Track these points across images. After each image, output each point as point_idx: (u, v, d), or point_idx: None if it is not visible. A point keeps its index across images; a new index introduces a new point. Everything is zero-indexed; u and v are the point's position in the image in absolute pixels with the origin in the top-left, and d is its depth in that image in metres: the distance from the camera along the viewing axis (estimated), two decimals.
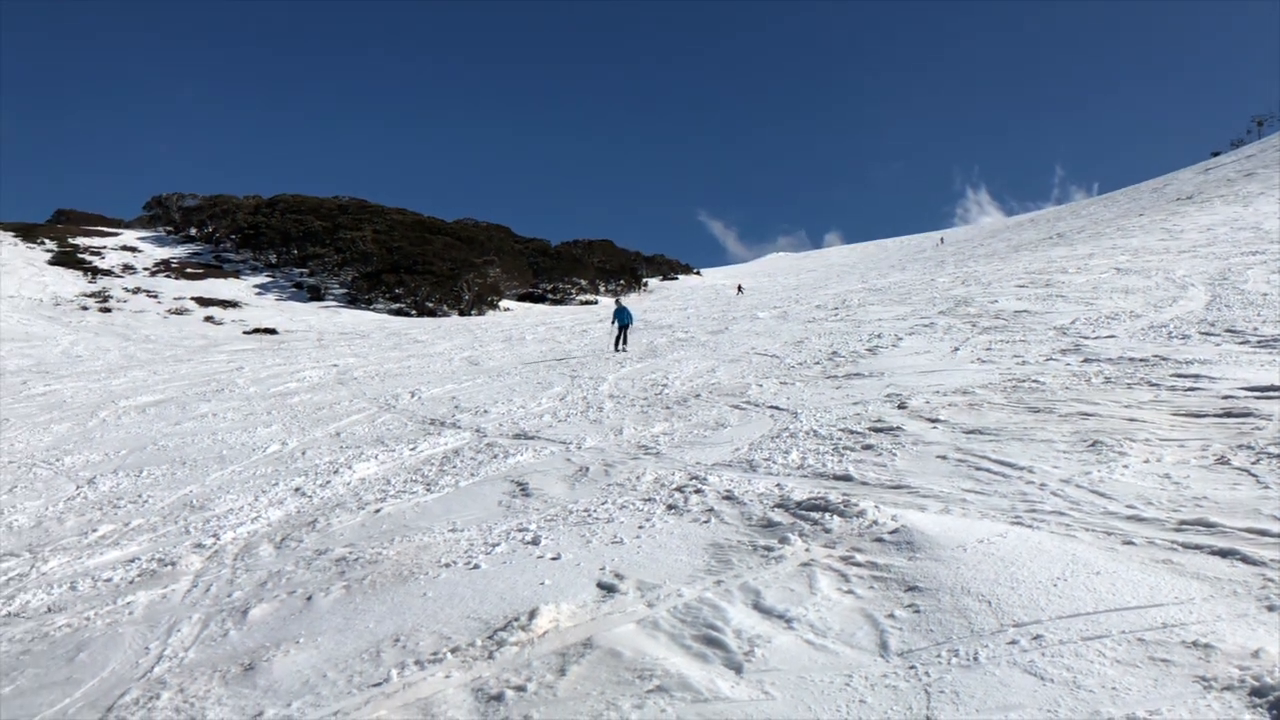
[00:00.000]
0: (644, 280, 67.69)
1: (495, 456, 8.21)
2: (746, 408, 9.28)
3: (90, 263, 50.54)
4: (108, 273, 49.18)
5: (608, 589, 4.30)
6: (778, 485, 5.88)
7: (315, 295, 49.96)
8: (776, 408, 9.04)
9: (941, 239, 77.91)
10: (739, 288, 50.45)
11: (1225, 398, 6.88)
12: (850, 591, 3.93)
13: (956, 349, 11.62)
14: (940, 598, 3.68)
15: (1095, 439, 6.07)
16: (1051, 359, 9.79)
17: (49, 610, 5.15)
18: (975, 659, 3.13)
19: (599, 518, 5.63)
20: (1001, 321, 13.98)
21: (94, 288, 44.76)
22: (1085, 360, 9.43)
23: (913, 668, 3.15)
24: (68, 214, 70.17)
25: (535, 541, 5.23)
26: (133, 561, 5.98)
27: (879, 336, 14.24)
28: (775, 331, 18.11)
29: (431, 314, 47.24)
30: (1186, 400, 6.99)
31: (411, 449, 9.13)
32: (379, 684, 3.54)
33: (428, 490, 7.12)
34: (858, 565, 4.22)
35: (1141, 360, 9.00)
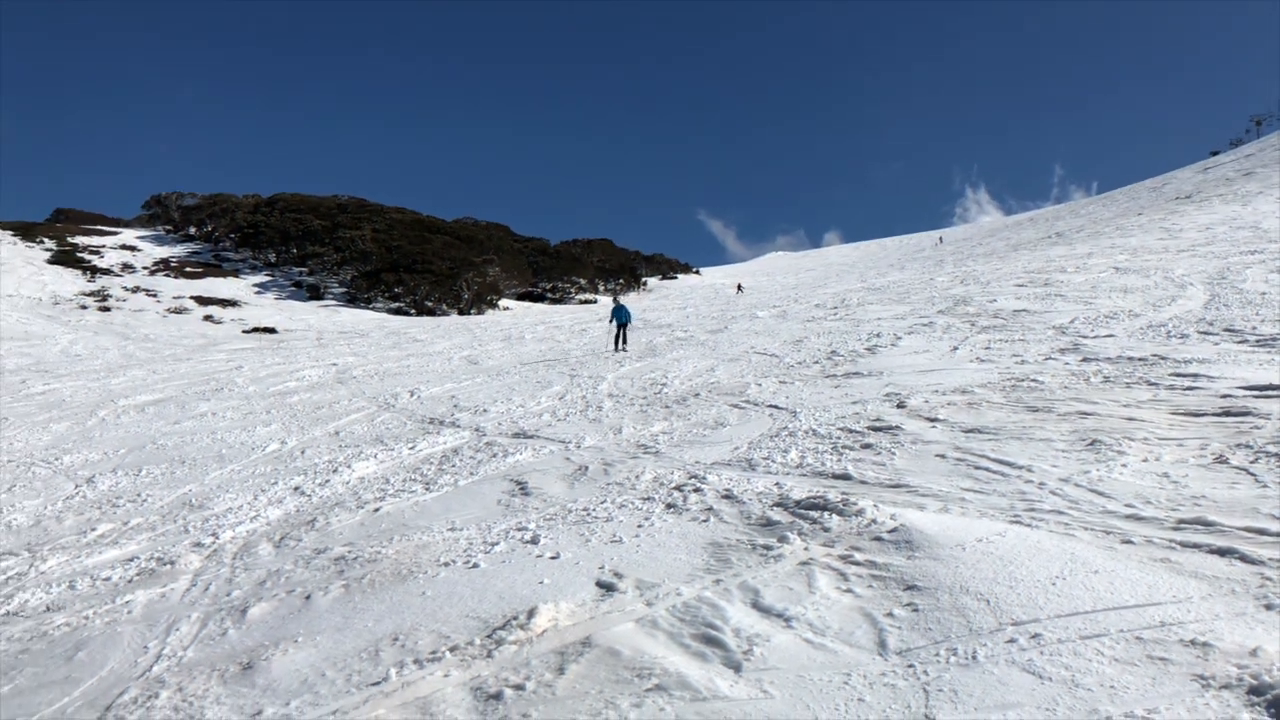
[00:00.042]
0: (643, 279, 67.72)
1: (494, 455, 8.21)
2: (745, 407, 9.28)
3: (89, 262, 50.53)
4: (107, 272, 49.17)
5: (607, 588, 4.31)
6: (777, 484, 5.89)
7: (314, 294, 49.96)
8: (776, 407, 9.04)
9: (940, 238, 77.93)
10: (738, 287, 50.46)
11: (1224, 397, 6.88)
12: (849, 590, 3.93)
13: (955, 348, 11.63)
14: (939, 596, 3.68)
15: (1094, 438, 6.07)
16: (1050, 358, 9.79)
17: (48, 609, 5.15)
18: (974, 658, 3.13)
19: (598, 517, 5.63)
20: (1000, 321, 13.99)
21: (93, 287, 44.75)
22: (1084, 359, 9.43)
23: (911, 666, 3.15)
24: (67, 213, 70.14)
25: (534, 540, 5.23)
26: (131, 560, 5.98)
27: (878, 336, 14.24)
28: (774, 331, 18.11)
29: (431, 313, 47.25)
30: (1185, 399, 7.00)
31: (411, 448, 9.13)
32: (378, 683, 3.54)
33: (427, 489, 7.12)
34: (856, 564, 4.22)
35: (1140, 359, 9.00)
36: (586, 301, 56.59)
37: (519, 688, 3.33)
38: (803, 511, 5.14)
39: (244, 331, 37.07)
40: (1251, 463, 5.13)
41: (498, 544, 5.25)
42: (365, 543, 5.72)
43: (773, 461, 6.64)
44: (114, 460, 10.10)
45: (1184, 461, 5.35)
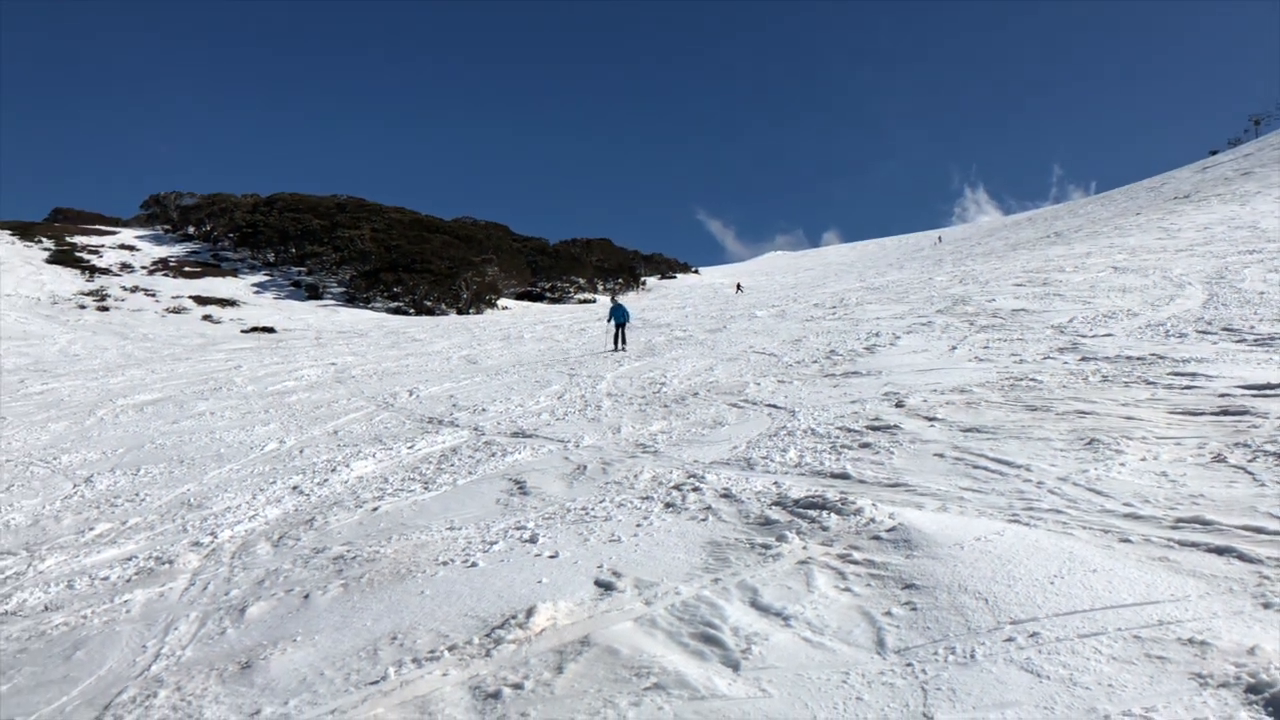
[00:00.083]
0: (642, 279, 67.72)
1: (493, 455, 8.20)
2: (744, 406, 9.28)
3: (88, 261, 50.50)
4: (105, 271, 49.14)
5: (605, 587, 4.31)
6: (775, 483, 5.89)
7: (313, 294, 49.94)
8: (774, 406, 9.04)
9: (939, 238, 77.97)
10: (738, 286, 50.49)
11: (1222, 396, 6.89)
12: (847, 589, 3.94)
13: (954, 347, 11.63)
14: (937, 595, 3.68)
15: (1092, 437, 6.08)
16: (1049, 357, 9.80)
17: (46, 609, 5.14)
18: (972, 656, 3.13)
19: (597, 516, 5.63)
20: (999, 320, 14.00)
21: (92, 286, 44.72)
22: (1082, 359, 9.44)
23: (910, 665, 3.16)
24: (65, 212, 70.09)
25: (533, 540, 5.23)
26: (130, 560, 5.97)
27: (877, 335, 14.25)
28: (773, 330, 18.12)
29: (430, 312, 47.24)
30: (1183, 398, 7.00)
31: (409, 447, 9.12)
32: (376, 682, 3.54)
33: (425, 489, 7.11)
34: (855, 563, 4.23)
35: (1139, 358, 9.01)
36: (585, 301, 56.59)
37: (517, 687, 3.33)
38: (801, 510, 5.15)
39: (242, 331, 37.06)
40: (1249, 461, 5.13)
41: (496, 543, 5.25)
42: (364, 542, 5.72)
43: (771, 461, 6.64)
44: (112, 460, 10.09)
45: (1182, 460, 5.35)
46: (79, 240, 56.34)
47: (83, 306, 40.22)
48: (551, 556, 4.87)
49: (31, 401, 16.45)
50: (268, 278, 53.61)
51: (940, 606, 3.58)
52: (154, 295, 44.31)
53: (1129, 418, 6.56)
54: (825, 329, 16.74)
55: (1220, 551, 3.83)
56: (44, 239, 54.65)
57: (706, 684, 3.19)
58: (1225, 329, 10.28)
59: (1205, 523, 4.21)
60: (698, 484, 6.10)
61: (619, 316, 18.53)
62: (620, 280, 63.55)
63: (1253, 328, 10.13)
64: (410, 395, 13.55)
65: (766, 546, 4.61)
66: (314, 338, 33.06)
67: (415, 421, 10.95)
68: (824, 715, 2.90)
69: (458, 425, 10.27)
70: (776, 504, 5.37)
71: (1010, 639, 3.21)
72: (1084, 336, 11.09)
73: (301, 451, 9.60)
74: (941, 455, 6.15)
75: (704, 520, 5.25)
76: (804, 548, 4.52)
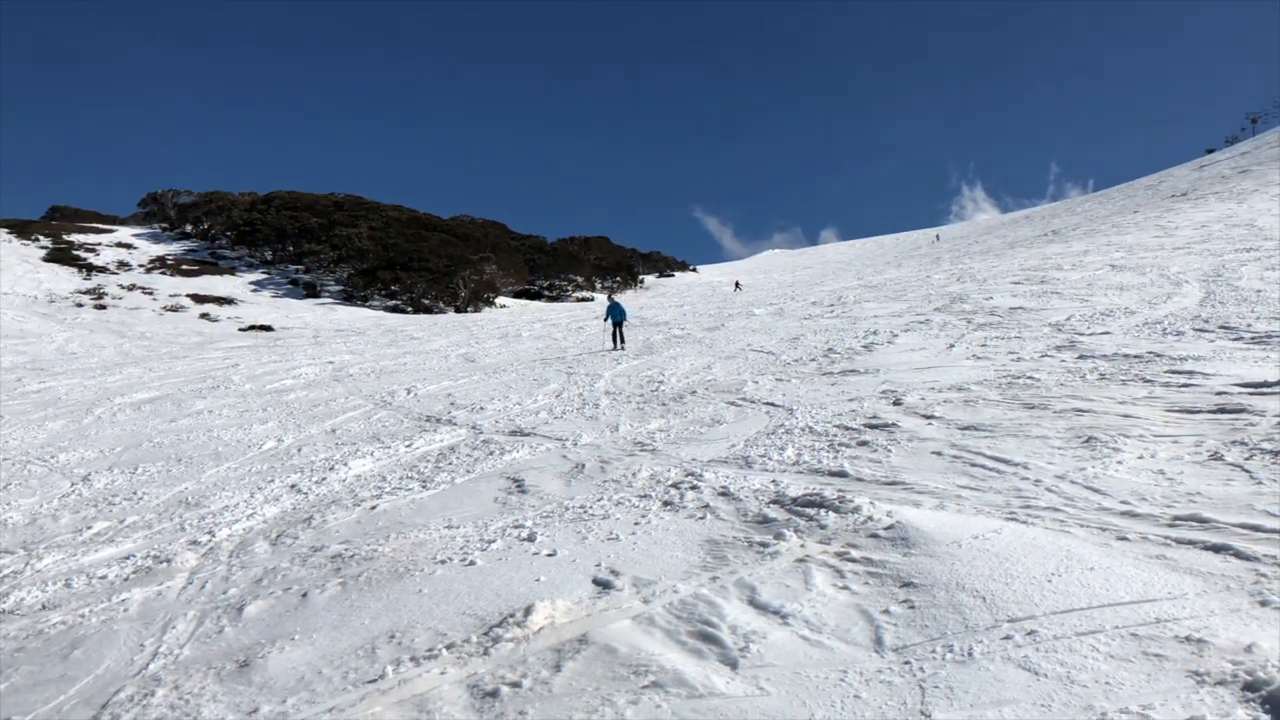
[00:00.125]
0: (640, 277, 67.70)
1: (491, 453, 8.20)
2: (742, 404, 9.29)
3: (85, 260, 50.41)
4: (103, 270, 49.06)
5: (603, 585, 4.31)
6: (773, 481, 5.89)
7: (311, 292, 49.89)
8: (772, 404, 9.05)
9: (937, 236, 78.01)
10: (736, 284, 50.52)
11: (1219, 394, 6.90)
12: (845, 587, 3.94)
13: (952, 346, 11.64)
14: (935, 593, 3.69)
15: (1090, 435, 6.09)
16: (1046, 355, 9.81)
17: (43, 607, 5.14)
18: (970, 654, 3.14)
19: (595, 514, 5.63)
20: (997, 318, 14.01)
21: (89, 284, 44.66)
22: (1080, 357, 9.45)
23: (907, 663, 3.16)
24: (62, 211, 69.94)
25: (531, 538, 5.23)
26: (128, 558, 5.97)
27: (874, 333, 14.26)
28: (771, 328, 18.12)
29: (428, 311, 47.22)
30: (1180, 396, 7.01)
31: (407, 446, 9.12)
32: (374, 680, 3.54)
33: (423, 487, 7.11)
34: (853, 561, 4.23)
35: (1136, 356, 9.02)
36: (584, 299, 56.58)
37: (515, 685, 3.33)
38: (799, 509, 5.15)
39: (240, 329, 37.03)
40: (1246, 459, 5.14)
41: (494, 542, 5.25)
42: (362, 540, 5.72)
43: (769, 459, 6.65)
44: (110, 458, 10.08)
45: (1179, 458, 5.36)
46: (76, 238, 56.25)
47: (80, 305, 40.16)
48: (549, 555, 4.87)
49: (29, 400, 16.43)
50: (265, 276, 53.55)
51: (938, 605, 3.58)
52: (151, 293, 44.26)
53: (1126, 416, 6.57)
54: (823, 327, 16.75)
55: (1217, 549, 3.84)
56: (41, 237, 54.56)
57: (704, 682, 3.19)
58: (1222, 327, 10.30)
59: (1202, 521, 4.22)
60: (696, 482, 6.10)
61: (616, 315, 18.52)
62: (618, 278, 63.54)
63: (1250, 325, 10.14)
64: (408, 393, 13.55)
65: (764, 545, 4.62)
66: (312, 336, 33.04)
67: (413, 420, 10.94)
68: (822, 713, 2.91)
69: (456, 423, 10.27)
70: (774, 502, 5.37)
71: (1008, 637, 3.22)
72: (1081, 334, 11.11)
73: (299, 450, 9.59)
74: (939, 453, 6.16)
75: (702, 518, 5.25)
76: (802, 546, 4.53)
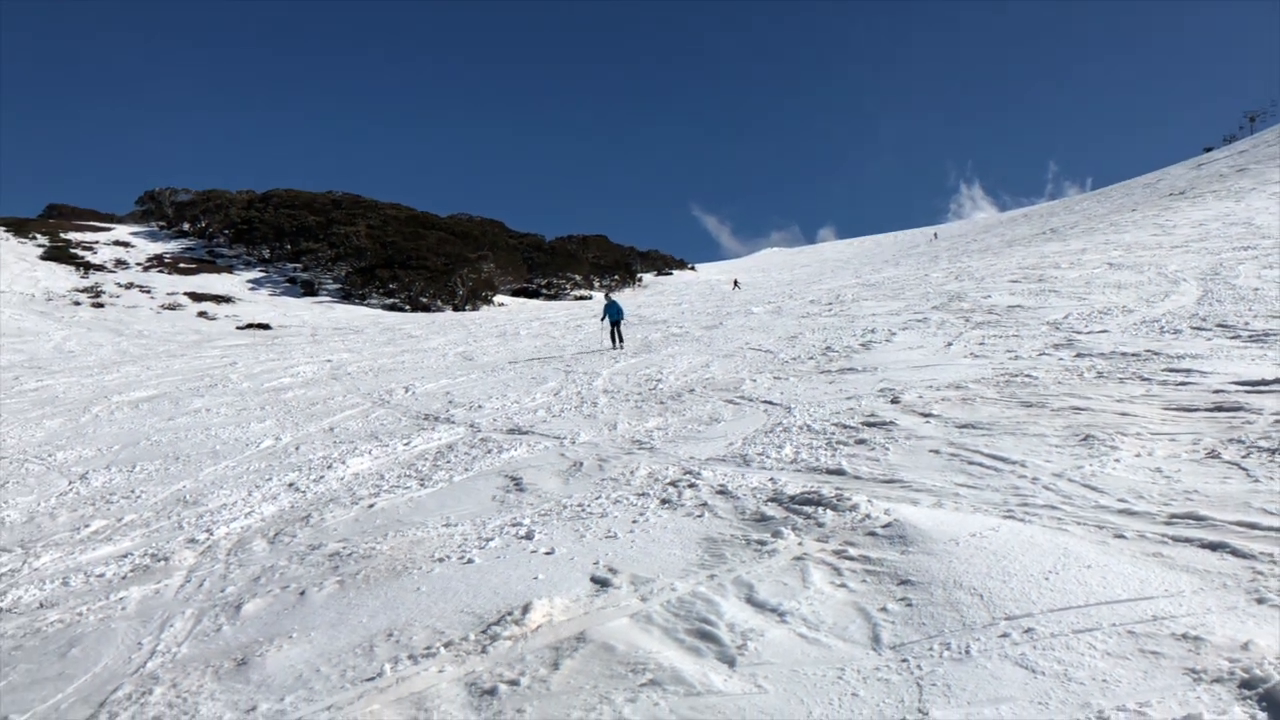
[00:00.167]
0: (639, 275, 67.67)
1: (489, 451, 8.20)
2: (740, 402, 9.29)
3: (83, 258, 50.33)
4: (100, 268, 48.99)
5: (601, 583, 4.31)
6: (771, 479, 5.90)
7: (309, 290, 49.84)
8: (770, 402, 9.05)
9: (935, 234, 78.09)
10: (735, 283, 50.55)
11: (1216, 392, 6.91)
12: (843, 585, 3.95)
13: (950, 344, 11.65)
14: (932, 591, 3.69)
15: (1087, 433, 6.09)
16: (1044, 354, 9.82)
17: (41, 606, 5.13)
18: (967, 652, 3.14)
19: (593, 512, 5.63)
20: (995, 316, 14.02)
21: (86, 283, 44.58)
22: (1078, 355, 9.46)
23: (905, 661, 3.17)
24: (60, 209, 69.78)
25: (529, 536, 5.23)
26: (125, 557, 5.96)
27: (872, 331, 14.26)
28: (769, 327, 18.12)
29: (425, 309, 47.19)
30: (1178, 395, 7.02)
31: (405, 444, 9.12)
32: (372, 678, 3.54)
33: (421, 485, 7.11)
34: (850, 559, 4.24)
35: (1133, 355, 9.03)
36: (582, 298, 56.56)
37: (513, 683, 3.33)
38: (797, 507, 5.15)
39: (238, 328, 36.99)
40: (1243, 457, 5.15)
41: (492, 540, 5.25)
42: (360, 539, 5.72)
43: (767, 457, 6.65)
44: (108, 457, 10.07)
45: (1176, 456, 5.37)
46: (74, 237, 56.14)
47: (77, 303, 40.10)
48: (547, 553, 4.87)
49: (26, 398, 16.41)
50: (263, 274, 53.49)
51: (935, 602, 3.59)
52: (149, 292, 44.19)
53: (1124, 414, 6.58)
54: (821, 325, 16.76)
55: (1214, 547, 3.85)
56: (38, 235, 54.46)
57: (702, 680, 3.19)
58: (1220, 325, 10.31)
59: (1199, 518, 4.22)
60: (694, 480, 6.11)
61: (614, 314, 18.48)
62: (616, 277, 63.51)
63: (1247, 324, 10.16)
64: (406, 392, 13.54)
65: (762, 543, 4.62)
66: (309, 334, 33.01)
67: (411, 418, 10.94)
68: (819, 711, 2.91)
69: (454, 422, 10.26)
70: (772, 500, 5.37)
71: (1005, 635, 3.22)
72: (1079, 333, 11.12)
73: (297, 448, 9.59)
74: (937, 451, 6.16)
75: (700, 517, 5.25)
76: (800, 544, 4.53)
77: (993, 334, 12.03)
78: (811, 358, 12.17)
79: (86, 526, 6.95)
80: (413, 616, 4.16)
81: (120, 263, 51.18)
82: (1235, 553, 3.75)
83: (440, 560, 4.98)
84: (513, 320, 34.83)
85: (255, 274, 53.29)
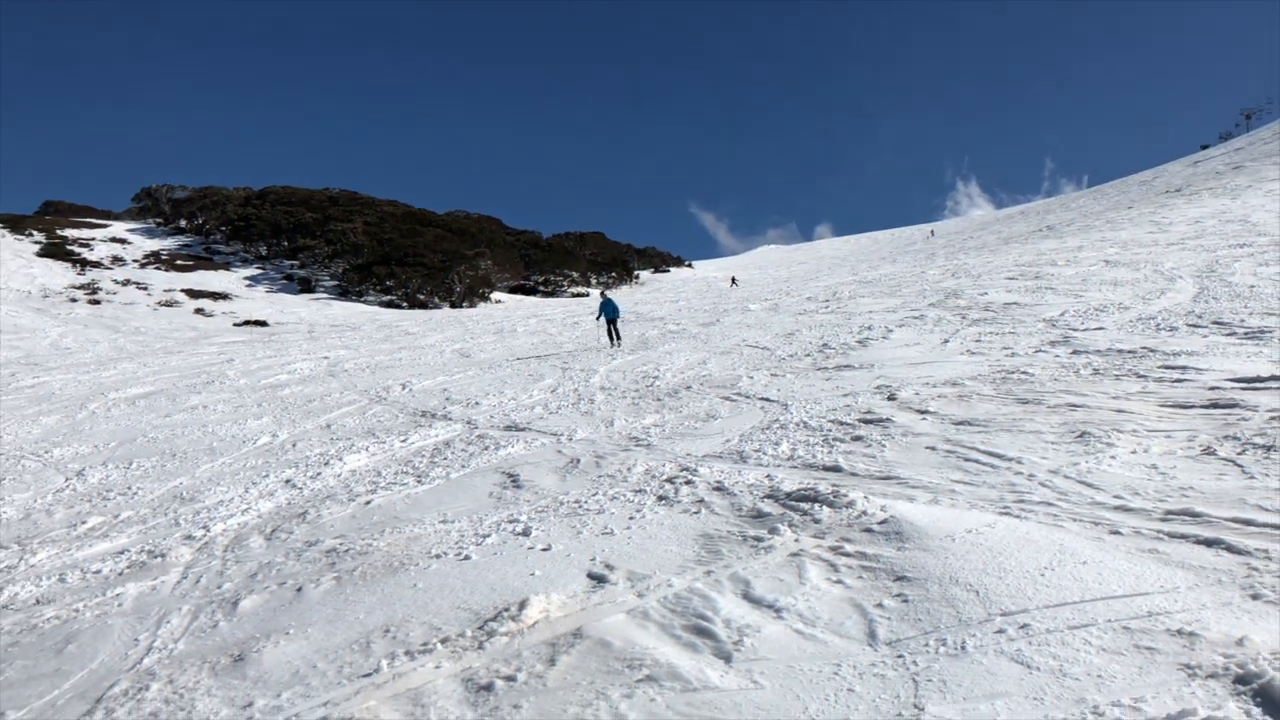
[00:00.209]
0: (635, 273, 67.64)
1: (486, 448, 8.20)
2: (737, 399, 9.30)
3: (79, 254, 50.20)
4: (97, 265, 48.87)
5: (598, 579, 4.32)
6: (768, 476, 5.90)
7: (306, 287, 49.76)
8: (767, 399, 9.05)
9: (932, 231, 78.14)
10: (732, 280, 50.59)
11: (1212, 389, 6.92)
12: (839, 581, 3.95)
13: (946, 341, 11.67)
14: (928, 587, 3.70)
15: (1083, 430, 6.10)
16: (1040, 351, 9.83)
17: (37, 602, 5.13)
18: (963, 648, 3.15)
19: (590, 509, 5.63)
20: (991, 314, 14.03)
21: (83, 280, 44.48)
22: (1074, 352, 9.47)
23: (901, 657, 3.17)
24: (56, 205, 69.58)
25: (526, 533, 5.24)
26: (122, 553, 5.96)
27: (869, 329, 14.27)
28: (766, 324, 18.13)
29: (423, 306, 47.14)
30: (1174, 391, 7.04)
31: (402, 441, 9.11)
32: (369, 674, 3.54)
33: (418, 482, 7.11)
34: (847, 555, 4.24)
35: (1129, 352, 9.05)
36: (579, 295, 56.54)
37: (510, 679, 3.34)
38: (793, 503, 5.16)
39: (235, 324, 36.92)
40: (1239, 454, 5.16)
41: (489, 536, 5.25)
42: (357, 535, 5.72)
43: (764, 454, 6.66)
44: (104, 453, 10.06)
45: (1172, 453, 5.38)
46: (70, 233, 55.99)
47: (74, 300, 40.01)
48: (544, 549, 4.88)
49: (23, 395, 16.38)
50: (260, 271, 53.40)
51: (931, 598, 3.60)
52: (146, 289, 44.10)
53: (1120, 411, 6.59)
54: (818, 323, 16.77)
55: (1209, 543, 3.86)
56: (34, 232, 54.30)
57: (699, 676, 3.20)
58: (1215, 322, 10.33)
59: (1195, 515, 4.24)
60: (690, 477, 6.11)
61: (609, 312, 18.42)
62: (613, 274, 63.46)
63: (1243, 321, 10.18)
64: (403, 389, 13.53)
65: (759, 539, 4.63)
66: (306, 331, 32.97)
67: (408, 415, 10.93)
68: (815, 706, 2.92)
69: (451, 419, 10.26)
70: (769, 497, 5.38)
71: (1001, 630, 3.23)
72: (1075, 330, 11.13)
73: (294, 445, 9.58)
74: (933, 448, 6.17)
75: (696, 513, 5.26)
76: (796, 540, 4.54)
77: (989, 331, 12.04)
78: (808, 355, 12.18)
79: (83, 523, 6.95)
80: (409, 613, 4.16)
81: (117, 259, 51.06)
82: (1230, 549, 3.77)
83: (437, 557, 4.98)
84: (510, 317, 34.82)
85: (252, 271, 53.20)
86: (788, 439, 7.06)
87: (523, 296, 55.27)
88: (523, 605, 4.00)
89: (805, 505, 5.07)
